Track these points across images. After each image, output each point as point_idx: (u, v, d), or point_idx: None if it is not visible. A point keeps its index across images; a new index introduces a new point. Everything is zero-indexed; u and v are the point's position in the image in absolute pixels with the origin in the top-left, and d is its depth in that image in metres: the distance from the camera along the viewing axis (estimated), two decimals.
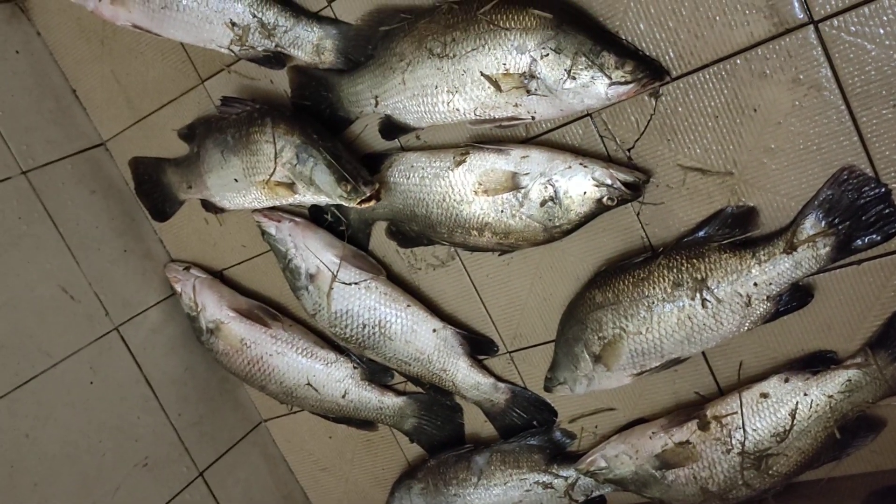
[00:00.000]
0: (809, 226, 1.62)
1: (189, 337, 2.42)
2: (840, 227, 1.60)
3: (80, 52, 2.34)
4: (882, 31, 1.47)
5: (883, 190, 1.57)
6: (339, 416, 2.31)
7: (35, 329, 2.11)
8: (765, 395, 1.74)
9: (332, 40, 1.96)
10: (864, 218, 1.59)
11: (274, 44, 1.98)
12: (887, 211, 1.58)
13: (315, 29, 1.96)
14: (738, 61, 1.60)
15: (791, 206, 1.65)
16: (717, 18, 1.59)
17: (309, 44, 1.97)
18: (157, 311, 2.40)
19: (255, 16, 1.96)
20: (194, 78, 2.21)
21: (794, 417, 1.71)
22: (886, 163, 1.55)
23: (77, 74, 2.39)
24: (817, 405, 1.70)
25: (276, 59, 2.01)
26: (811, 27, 1.52)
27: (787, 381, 1.73)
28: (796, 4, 1.52)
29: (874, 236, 1.59)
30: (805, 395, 1.71)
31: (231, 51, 2.03)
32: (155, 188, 2.36)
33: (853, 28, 1.49)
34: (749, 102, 1.62)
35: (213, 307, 2.30)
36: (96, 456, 2.14)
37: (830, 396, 1.69)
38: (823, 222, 1.61)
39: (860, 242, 1.60)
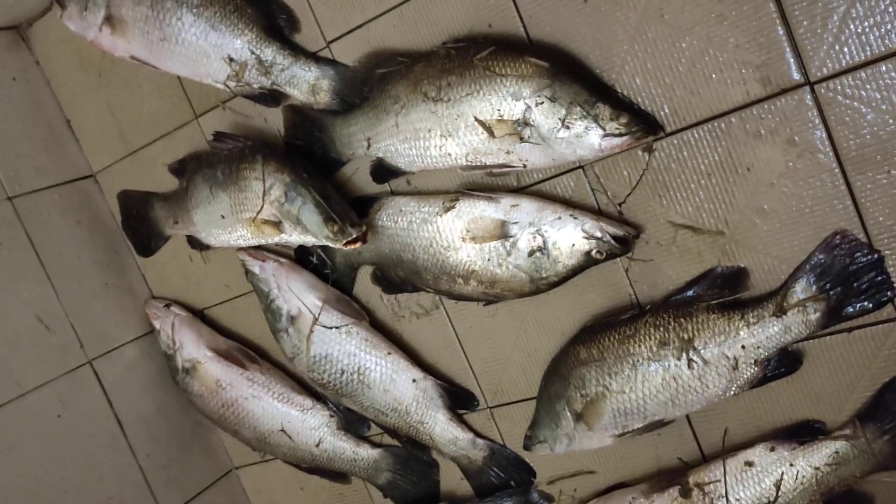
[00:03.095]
0: (800, 290, 1.59)
1: (164, 377, 2.36)
2: (831, 292, 1.57)
3: (78, 83, 2.34)
4: (878, 96, 1.46)
5: (875, 256, 1.54)
6: (312, 467, 2.24)
7: (7, 357, 2.06)
8: (749, 464, 1.69)
9: (329, 81, 1.95)
10: (855, 284, 1.56)
11: (270, 81, 1.98)
12: (879, 278, 1.55)
13: (312, 69, 1.95)
14: (733, 120, 1.59)
15: (782, 269, 1.62)
16: (714, 76, 1.58)
17: (305, 83, 1.97)
18: (133, 347, 2.35)
19: (253, 52, 1.96)
20: (189, 113, 2.20)
21: (779, 488, 1.65)
22: (880, 229, 1.53)
23: (72, 104, 2.38)
24: (803, 477, 1.64)
25: (271, 96, 2.01)
26: (807, 88, 1.51)
27: (772, 450, 1.67)
28: (793, 65, 1.51)
29: (865, 304, 1.56)
30: (791, 465, 1.65)
31: (227, 86, 2.02)
32: (141, 223, 2.33)
33: (849, 91, 1.48)
34: (743, 162, 1.60)
35: (191, 346, 2.25)
36: (58, 492, 2.06)
37: (817, 468, 1.63)
38: (815, 287, 1.58)
39: (851, 309, 1.57)
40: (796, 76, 1.52)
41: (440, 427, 2.03)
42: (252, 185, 1.94)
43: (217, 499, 2.43)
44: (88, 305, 2.29)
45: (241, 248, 2.14)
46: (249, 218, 1.97)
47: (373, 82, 1.88)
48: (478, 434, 2.04)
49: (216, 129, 2.13)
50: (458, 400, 2.04)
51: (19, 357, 2.09)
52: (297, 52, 1.97)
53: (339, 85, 1.95)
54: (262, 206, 1.94)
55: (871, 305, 1.56)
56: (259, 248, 2.15)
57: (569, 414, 1.78)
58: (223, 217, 2.03)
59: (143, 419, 2.32)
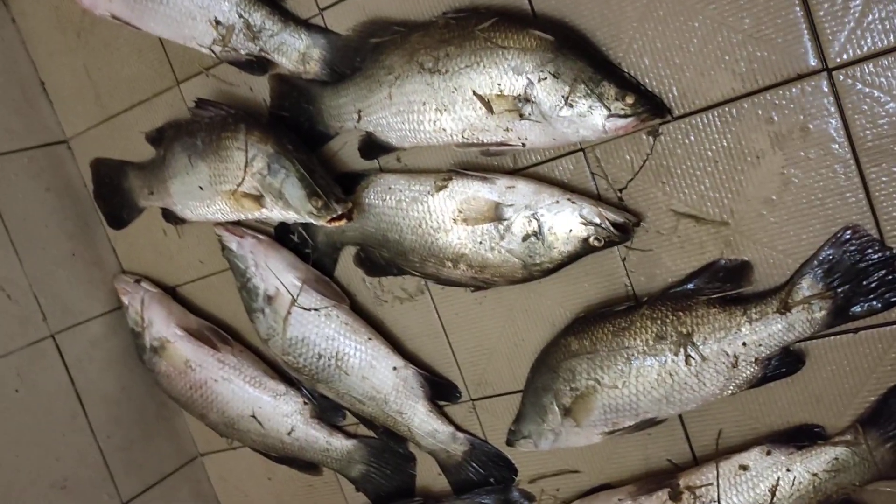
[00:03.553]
0: (806, 286, 1.52)
1: (130, 355, 2.25)
2: (839, 290, 1.50)
3: (55, 43, 2.24)
4: None
5: (888, 254, 1.47)
6: (282, 456, 2.14)
7: None
8: (744, 468, 1.61)
9: (320, 50, 1.86)
10: (864, 283, 1.49)
11: (258, 48, 1.89)
12: (890, 277, 1.48)
13: (303, 36, 1.87)
14: (745, 105, 1.52)
15: (788, 264, 1.55)
16: (727, 58, 1.51)
17: (295, 51, 1.88)
18: (99, 322, 2.24)
19: (241, 16, 1.87)
20: (170, 79, 2.10)
21: (774, 494, 1.58)
22: (893, 224, 1.46)
23: (48, 66, 2.28)
24: (800, 483, 1.57)
25: (258, 64, 1.92)
26: (824, 74, 1.45)
27: (769, 453, 1.60)
28: (810, 49, 1.45)
29: (874, 303, 1.49)
30: (788, 470, 1.58)
31: (212, 51, 1.93)
32: (115, 193, 2.23)
33: (869, 78, 1.42)
34: (752, 149, 1.53)
35: (161, 324, 2.14)
36: (10, 470, 1.94)
37: (815, 475, 1.56)
38: (821, 284, 1.51)
39: (859, 309, 1.50)
40: (813, 61, 1.45)
41: (419, 418, 1.94)
42: (234, 156, 1.85)
43: (179, 486, 2.32)
44: (54, 276, 2.18)
45: (218, 223, 2.04)
46: (229, 190, 1.88)
47: (366, 52, 1.79)
48: (458, 427, 1.96)
49: (199, 96, 2.03)
50: (440, 391, 1.95)
51: None
52: (288, 17, 1.88)
53: (330, 54, 1.86)
54: (243, 178, 1.85)
55: (879, 305, 1.49)
56: (237, 223, 2.05)
57: (556, 408, 1.70)
58: (201, 189, 1.93)
59: (105, 398, 2.21)
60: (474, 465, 1.95)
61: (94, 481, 2.12)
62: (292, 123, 1.91)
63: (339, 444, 2.08)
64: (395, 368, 1.93)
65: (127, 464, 2.21)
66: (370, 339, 1.94)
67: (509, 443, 1.82)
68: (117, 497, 2.16)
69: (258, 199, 1.85)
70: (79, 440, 2.12)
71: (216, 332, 2.17)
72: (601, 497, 1.79)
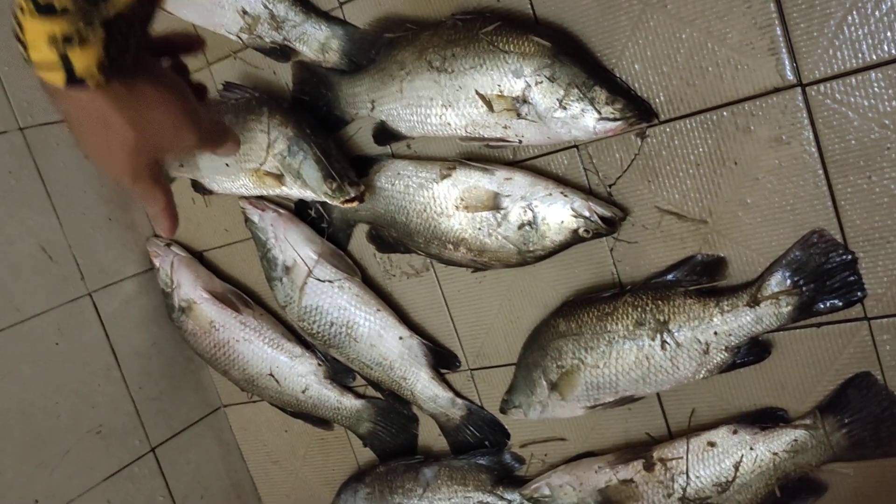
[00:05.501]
0: (775, 283, 1.65)
1: (160, 313, 2.44)
2: (804, 288, 1.63)
3: None
4: (866, 103, 1.50)
5: (850, 257, 1.60)
6: (297, 411, 2.32)
7: (8, 283, 2.12)
8: (712, 444, 1.76)
9: (339, 41, 1.99)
10: (828, 282, 1.62)
11: (282, 37, 2.02)
12: (851, 278, 1.60)
13: (323, 27, 1.99)
14: (725, 113, 1.63)
15: (759, 262, 1.68)
16: (710, 70, 1.62)
17: (315, 41, 2.00)
18: (132, 282, 2.42)
19: (266, 7, 1.99)
20: (202, 60, 2.24)
21: (737, 469, 1.73)
22: (856, 231, 1.58)
23: None
24: (762, 461, 1.71)
25: (282, 51, 2.05)
26: (799, 89, 1.55)
27: (735, 432, 1.75)
28: (787, 65, 1.55)
29: (836, 301, 1.62)
30: (751, 449, 1.72)
31: (239, 38, 2.06)
32: None
33: (839, 96, 1.52)
34: (731, 155, 1.64)
35: (188, 286, 2.32)
36: (51, 416, 2.14)
37: (775, 454, 1.71)
38: (789, 281, 1.64)
39: (822, 306, 1.63)
40: (790, 76, 1.56)
41: (422, 384, 2.10)
42: (257, 137, 1.99)
43: (204, 433, 2.52)
44: (91, 238, 2.35)
45: (242, 196, 2.20)
46: (253, 168, 2.03)
47: (381, 46, 1.91)
48: (457, 394, 2.12)
49: (227, 77, 2.17)
50: (441, 360, 2.11)
51: (21, 284, 2.15)
52: (310, 9, 2.00)
53: (348, 45, 1.99)
54: (265, 158, 1.99)
55: (841, 304, 1.62)
56: (260, 197, 2.20)
57: (544, 383, 1.85)
58: (227, 165, 2.08)
59: (137, 352, 2.39)
60: (471, 428, 2.12)
61: (127, 427, 2.32)
62: (312, 107, 2.05)
63: (349, 403, 2.26)
64: (400, 338, 2.09)
65: (156, 412, 2.40)
66: (379, 310, 2.10)
67: (502, 411, 1.98)
68: (147, 442, 2.36)
69: (279, 177, 2.00)
70: (113, 390, 2.31)
71: (239, 296, 2.33)
72: (584, 463, 1.94)
